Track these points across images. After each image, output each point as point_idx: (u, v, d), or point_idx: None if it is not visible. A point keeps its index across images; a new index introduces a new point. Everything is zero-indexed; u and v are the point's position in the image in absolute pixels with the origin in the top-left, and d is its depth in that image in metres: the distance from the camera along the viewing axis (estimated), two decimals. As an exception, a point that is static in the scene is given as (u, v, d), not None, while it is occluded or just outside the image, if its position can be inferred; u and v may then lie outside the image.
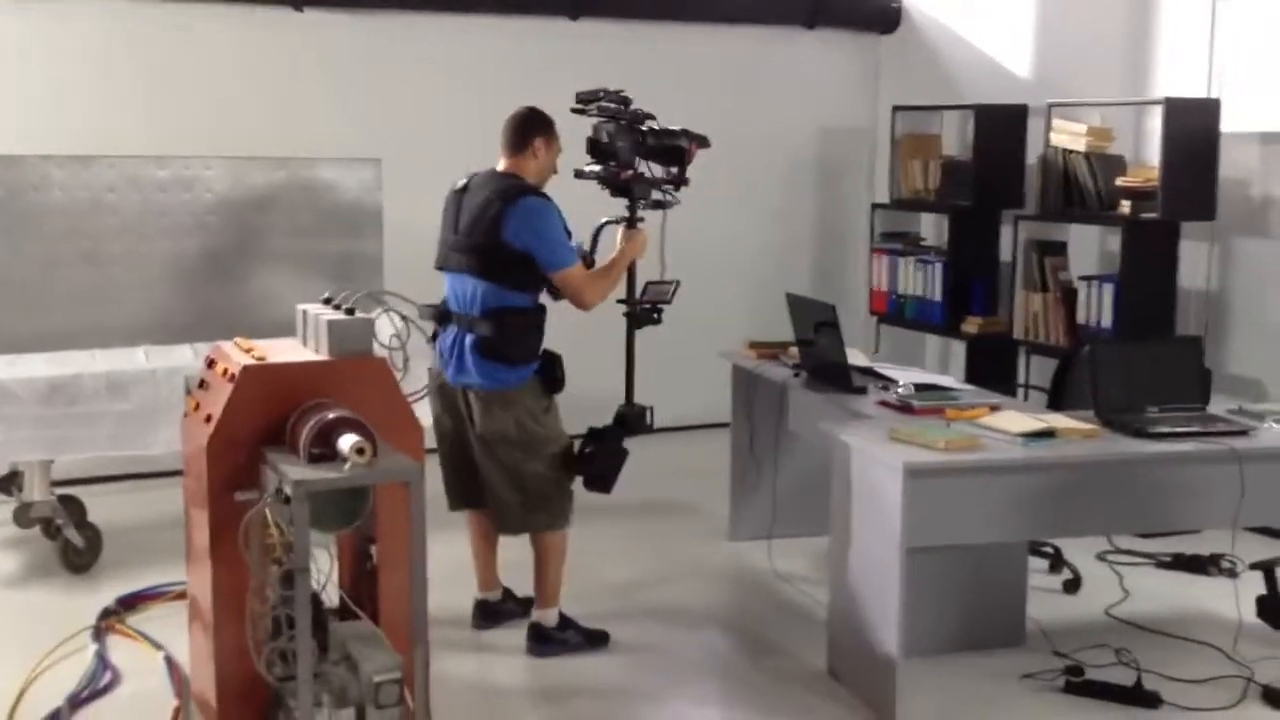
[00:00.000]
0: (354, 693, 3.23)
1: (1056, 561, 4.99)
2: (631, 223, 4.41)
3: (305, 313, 3.64)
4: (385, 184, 5.99)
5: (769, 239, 7.66)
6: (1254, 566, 3.51)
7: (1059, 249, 6.22)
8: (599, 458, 4.32)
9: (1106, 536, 5.10)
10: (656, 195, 4.44)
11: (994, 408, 4.24)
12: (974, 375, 6.48)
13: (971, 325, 6.58)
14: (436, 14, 6.72)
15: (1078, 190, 5.99)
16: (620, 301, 4.44)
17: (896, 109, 7.15)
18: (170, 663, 4.05)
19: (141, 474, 5.68)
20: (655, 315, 4.48)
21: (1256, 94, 5.67)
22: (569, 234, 4.23)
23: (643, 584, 5.03)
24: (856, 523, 3.93)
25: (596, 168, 4.38)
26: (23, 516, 5.05)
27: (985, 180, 6.53)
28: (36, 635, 4.28)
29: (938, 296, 6.74)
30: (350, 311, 3.57)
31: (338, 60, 6.56)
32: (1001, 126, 6.53)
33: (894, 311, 7.05)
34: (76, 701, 3.83)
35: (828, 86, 7.74)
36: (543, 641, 4.33)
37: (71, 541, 4.94)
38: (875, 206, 7.30)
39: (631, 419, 4.39)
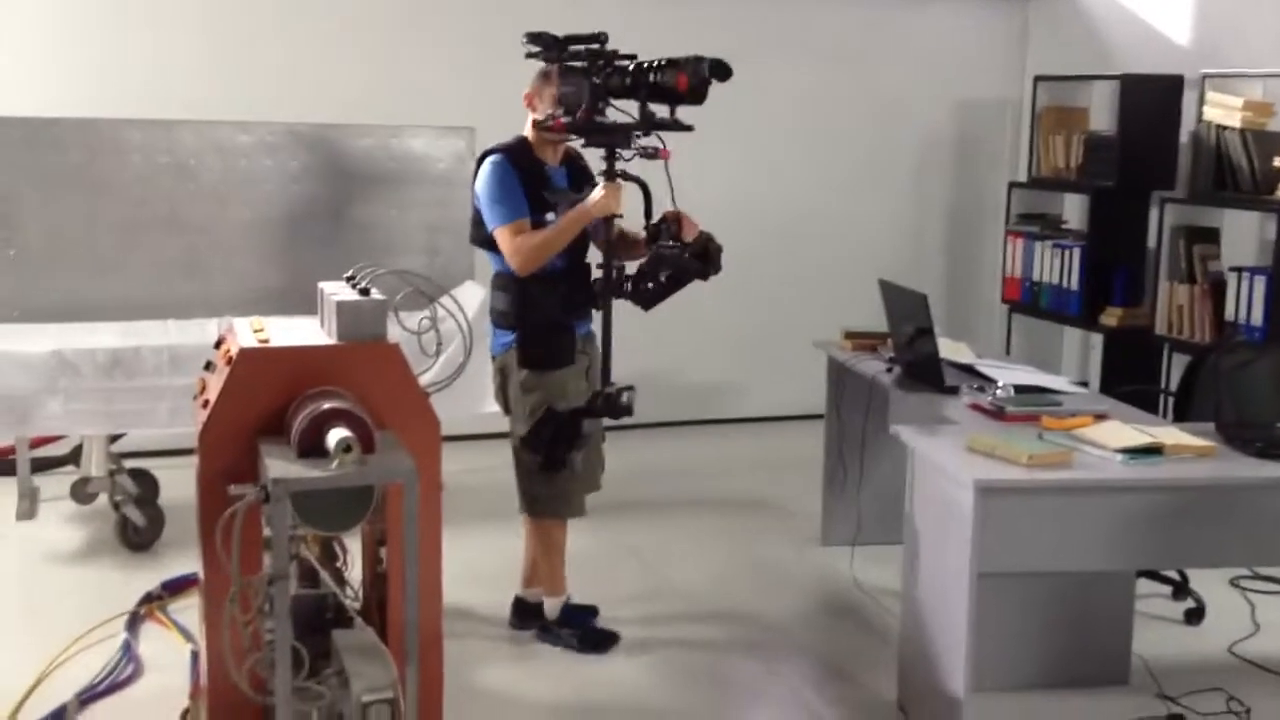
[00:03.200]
0: (345, 711, 2.97)
1: (1180, 589, 4.45)
2: (610, 175, 3.84)
3: (322, 291, 3.38)
4: (477, 154, 5.71)
5: (899, 219, 7.18)
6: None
7: (1210, 236, 5.60)
8: (547, 428, 3.90)
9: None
10: (644, 142, 3.77)
11: (1100, 416, 3.74)
12: (1112, 374, 5.94)
13: (1111, 317, 6.01)
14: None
15: (1231, 171, 5.37)
16: (599, 266, 3.91)
17: (1038, 79, 6.58)
18: (196, 657, 3.85)
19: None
20: (646, 285, 3.82)
21: None
22: (527, 196, 3.90)
23: (719, 589, 4.66)
24: (928, 541, 3.50)
25: (537, 117, 3.98)
26: (80, 491, 4.95)
27: (1131, 158, 5.92)
28: (83, 614, 4.16)
29: (1075, 285, 6.17)
30: (365, 292, 3.29)
31: (430, 25, 6.29)
32: (1151, 99, 5.92)
33: (1027, 300, 6.50)
34: (89, 695, 3.67)
35: (967, 55, 7.18)
36: (543, 630, 4.19)
37: (131, 519, 4.83)
38: (1013, 185, 6.74)
39: (597, 404, 3.89)
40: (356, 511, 3.02)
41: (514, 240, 3.89)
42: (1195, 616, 4.35)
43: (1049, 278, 6.35)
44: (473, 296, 4.85)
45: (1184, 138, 5.82)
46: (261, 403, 3.08)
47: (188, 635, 4.07)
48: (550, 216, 3.93)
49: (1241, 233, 5.61)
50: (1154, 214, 5.88)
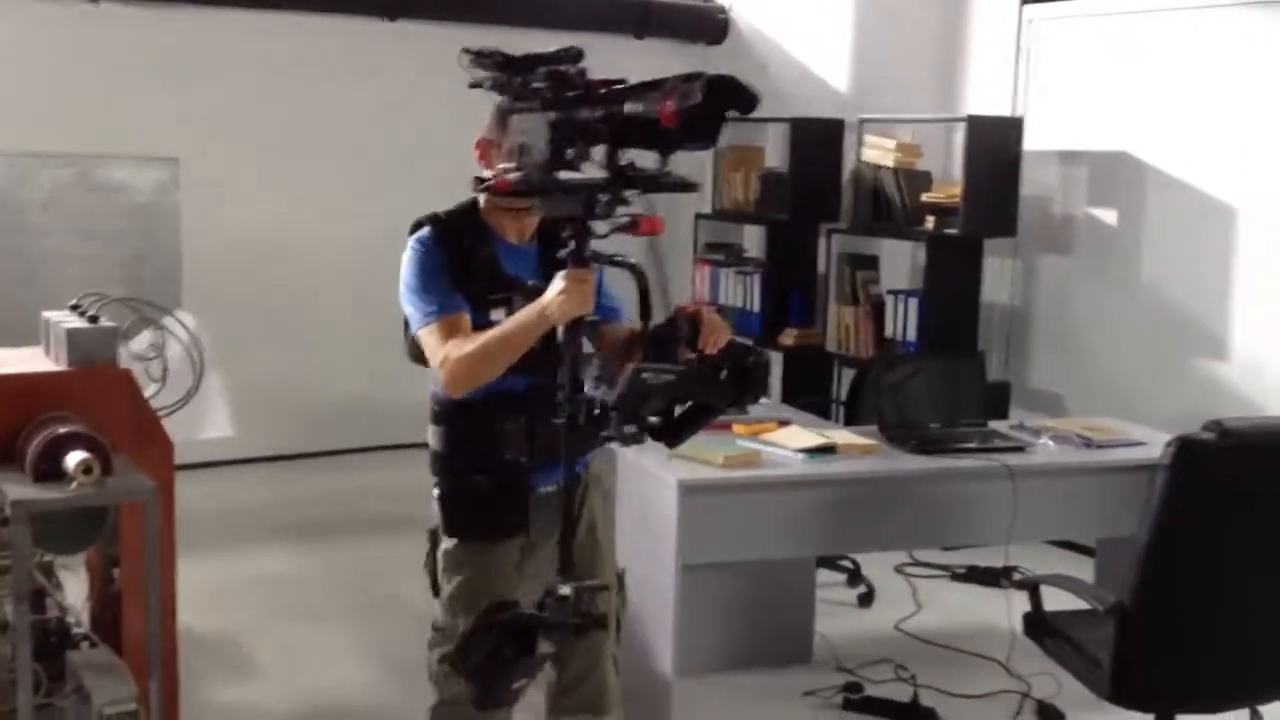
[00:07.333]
0: (84, 726, 3.04)
1: (854, 575, 5.00)
2: (579, 260, 2.51)
3: (48, 320, 3.43)
4: (182, 184, 5.76)
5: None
6: (1019, 585, 3.51)
7: (870, 263, 6.26)
8: (485, 639, 2.52)
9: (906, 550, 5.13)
10: (616, 212, 2.48)
11: (783, 423, 4.20)
12: (791, 388, 6.49)
13: (788, 337, 6.59)
14: (245, 10, 6.47)
15: (886, 205, 6.04)
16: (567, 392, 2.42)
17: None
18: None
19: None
20: (633, 432, 2.38)
21: (1059, 113, 5.77)
22: (466, 286, 2.78)
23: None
24: (634, 540, 3.84)
25: (484, 174, 2.68)
26: None
27: (802, 193, 6.52)
28: None
29: (756, 307, 6.74)
30: (94, 319, 3.37)
31: (134, 55, 6.24)
32: (818, 140, 6.54)
33: (714, 322, 7.01)
34: None
35: (656, 95, 7.67)
36: None
37: None
38: (699, 217, 7.27)
39: (548, 609, 2.44)
40: (91, 533, 3.13)
41: (443, 346, 2.70)
42: (866, 600, 4.90)
43: (734, 301, 6.89)
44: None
45: (846, 175, 6.46)
46: (-9, 430, 3.12)
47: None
48: (498, 316, 2.76)
49: (896, 260, 6.30)
50: (822, 243, 6.49)
